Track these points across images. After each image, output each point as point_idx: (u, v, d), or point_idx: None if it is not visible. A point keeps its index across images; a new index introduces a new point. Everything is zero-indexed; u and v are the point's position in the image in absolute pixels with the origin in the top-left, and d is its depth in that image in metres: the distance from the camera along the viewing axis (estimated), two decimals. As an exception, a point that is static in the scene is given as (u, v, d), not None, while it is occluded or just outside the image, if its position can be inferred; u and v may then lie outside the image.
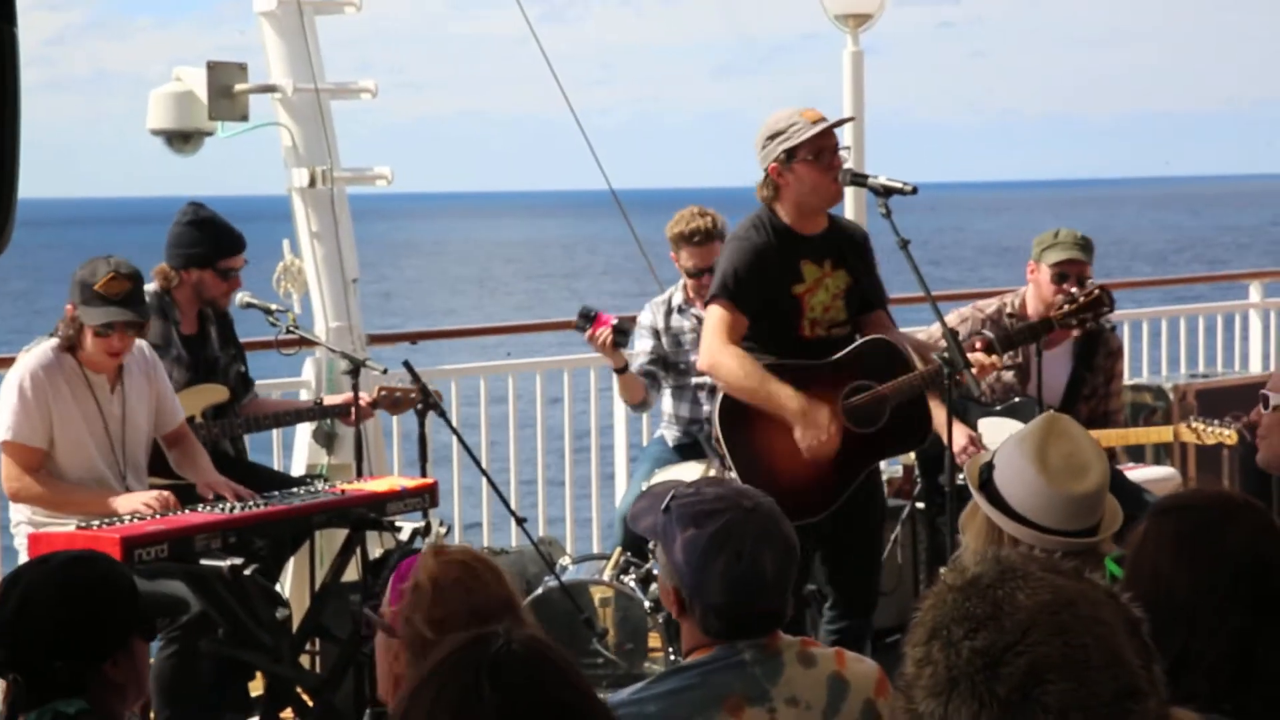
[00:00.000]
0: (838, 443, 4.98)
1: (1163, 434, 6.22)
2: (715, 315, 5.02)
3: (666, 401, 6.40)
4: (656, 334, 6.29)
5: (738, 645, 2.87)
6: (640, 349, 6.28)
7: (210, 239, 5.75)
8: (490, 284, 53.26)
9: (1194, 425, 5.90)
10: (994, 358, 5.18)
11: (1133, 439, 6.29)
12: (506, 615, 2.69)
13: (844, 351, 5.11)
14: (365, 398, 5.91)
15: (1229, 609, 2.45)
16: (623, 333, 6.01)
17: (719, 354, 4.97)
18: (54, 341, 5.08)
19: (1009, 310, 6.01)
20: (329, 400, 6.09)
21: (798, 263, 5.07)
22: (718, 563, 2.84)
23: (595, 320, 5.96)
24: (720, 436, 5.04)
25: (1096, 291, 5.46)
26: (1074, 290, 5.59)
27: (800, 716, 2.85)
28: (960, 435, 5.58)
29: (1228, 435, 5.86)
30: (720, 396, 5.06)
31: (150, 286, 5.61)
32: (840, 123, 5.20)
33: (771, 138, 5.06)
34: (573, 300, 44.48)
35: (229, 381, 5.81)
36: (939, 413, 5.39)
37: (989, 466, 3.18)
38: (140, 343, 5.24)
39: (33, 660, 2.90)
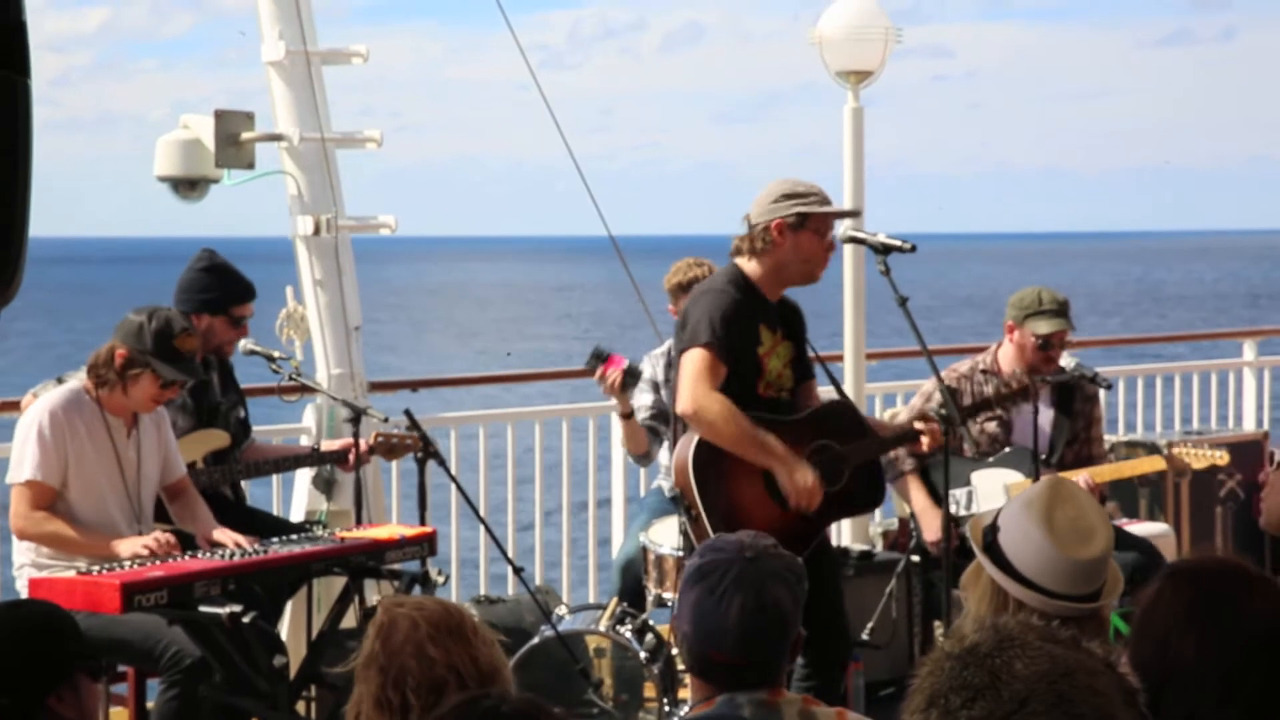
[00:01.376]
0: (820, 496, 5.04)
1: (1155, 463, 6.29)
2: (697, 359, 4.99)
3: (664, 455, 6.42)
4: (656, 387, 6.32)
5: (738, 699, 2.89)
6: (641, 403, 6.29)
7: (224, 286, 5.81)
8: (492, 330, 53.27)
9: (1185, 449, 6.02)
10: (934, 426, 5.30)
11: (1126, 471, 6.36)
12: (451, 661, 2.74)
13: (809, 411, 5.20)
14: (363, 444, 5.94)
15: (1240, 682, 2.45)
16: (633, 375, 6.04)
17: (704, 398, 4.94)
18: (74, 383, 5.12)
19: (982, 367, 6.22)
20: (327, 445, 6.11)
21: (758, 326, 5.12)
22: (692, 593, 2.94)
23: (607, 361, 5.99)
24: (692, 482, 5.00)
25: (1026, 383, 5.71)
26: (1010, 374, 5.95)
27: None
28: (935, 529, 5.76)
29: (1219, 456, 5.98)
30: (695, 442, 5.00)
31: None
32: (852, 214, 5.27)
33: (787, 197, 5.11)
34: (571, 347, 44.50)
35: (229, 427, 5.84)
36: (925, 506, 5.60)
37: (993, 529, 3.18)
38: None
39: None
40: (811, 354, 5.34)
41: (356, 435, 5.76)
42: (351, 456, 5.86)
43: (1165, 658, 2.43)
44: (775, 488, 5.07)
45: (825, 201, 5.15)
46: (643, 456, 6.43)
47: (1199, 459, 6.06)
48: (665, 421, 6.29)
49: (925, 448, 5.34)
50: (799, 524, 5.07)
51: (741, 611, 2.90)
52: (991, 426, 6.05)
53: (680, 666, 5.35)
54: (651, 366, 6.37)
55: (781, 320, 5.20)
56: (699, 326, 5.01)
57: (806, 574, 5.01)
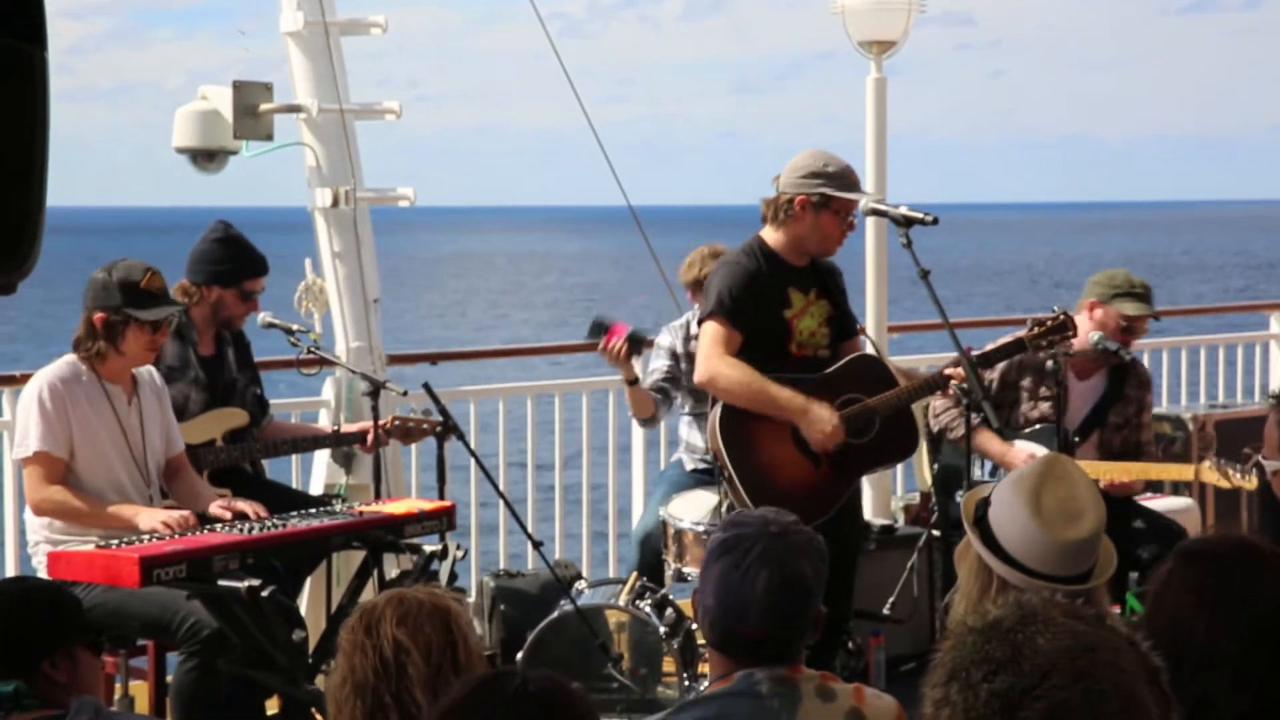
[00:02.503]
0: (844, 434, 5.16)
1: (1184, 472, 6.17)
2: (711, 331, 5.23)
3: (685, 429, 6.42)
4: (675, 357, 6.34)
5: (756, 675, 2.89)
6: (655, 367, 6.33)
7: (237, 258, 5.78)
8: (509, 301, 53.33)
9: (1216, 467, 5.86)
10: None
11: (1154, 474, 6.24)
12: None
13: (833, 367, 5.32)
14: (384, 425, 5.88)
15: (1253, 659, 2.43)
16: (637, 341, 6.01)
17: (716, 365, 5.17)
18: (70, 356, 5.12)
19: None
20: (346, 428, 6.09)
21: (786, 289, 5.29)
22: (716, 566, 2.95)
23: (609, 332, 5.97)
24: (720, 447, 5.18)
25: (1062, 316, 5.60)
26: (1043, 315, 5.70)
27: None
28: (1022, 454, 5.67)
29: (1247, 482, 5.80)
30: (719, 408, 5.21)
31: None
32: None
33: (815, 175, 5.25)
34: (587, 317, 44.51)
35: (246, 405, 5.82)
36: (1003, 448, 5.69)
37: (985, 503, 3.15)
38: (150, 368, 5.30)
39: None
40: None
41: (375, 409, 5.74)
42: (370, 438, 5.83)
43: (1177, 638, 2.41)
44: (805, 445, 5.20)
45: (851, 185, 5.28)
46: (649, 420, 6.42)
47: (1230, 480, 5.90)
48: (676, 385, 6.33)
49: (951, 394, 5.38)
50: (831, 479, 5.23)
51: (767, 586, 2.91)
52: (1045, 406, 5.96)
53: (700, 641, 5.35)
54: (671, 336, 6.39)
55: (816, 281, 5.36)
56: (712, 298, 5.24)
57: (830, 534, 5.11)
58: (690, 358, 6.30)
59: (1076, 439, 5.97)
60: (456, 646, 2.80)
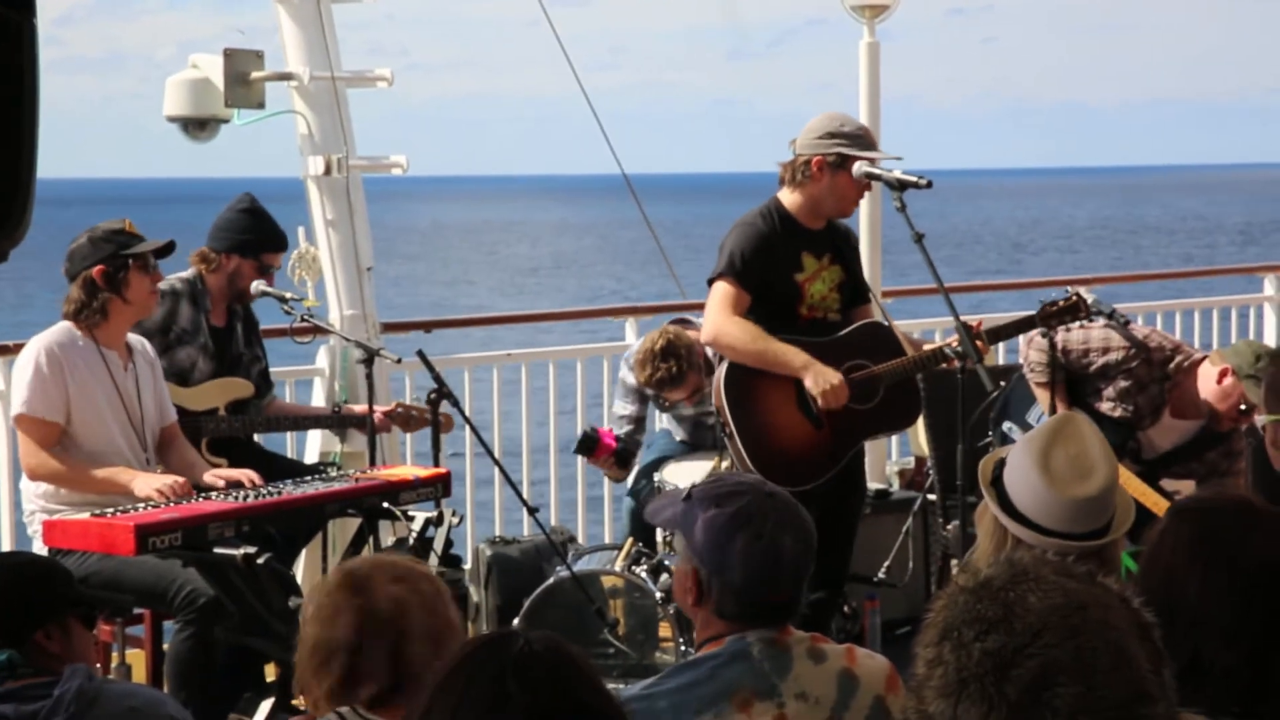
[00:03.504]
0: (848, 392, 5.17)
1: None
2: (719, 291, 5.25)
3: (664, 419, 6.46)
4: (643, 398, 6.32)
5: (747, 638, 2.89)
6: (621, 413, 6.30)
7: (260, 230, 5.84)
8: (504, 271, 53.29)
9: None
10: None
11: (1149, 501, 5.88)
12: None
13: (842, 332, 5.33)
14: (381, 409, 5.94)
15: (1244, 618, 2.44)
16: (625, 456, 6.08)
17: (722, 324, 5.19)
18: (64, 323, 5.13)
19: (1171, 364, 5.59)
20: (348, 409, 6.10)
21: (799, 253, 5.30)
22: (737, 540, 2.89)
23: (598, 447, 6.01)
24: (724, 405, 5.18)
25: (1075, 298, 5.48)
26: (1056, 297, 5.55)
27: (809, 712, 2.87)
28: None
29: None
30: (724, 366, 5.22)
31: (185, 274, 5.72)
32: (893, 159, 5.24)
33: (832, 135, 5.26)
34: (586, 288, 44.51)
35: (251, 379, 5.85)
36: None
37: (1001, 463, 3.18)
38: (143, 340, 5.33)
39: None
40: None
41: (370, 378, 5.74)
42: (377, 415, 5.84)
43: (1170, 595, 2.42)
44: (808, 406, 5.21)
45: (868, 145, 5.30)
46: (621, 479, 6.40)
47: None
48: (643, 431, 6.36)
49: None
50: (831, 443, 5.25)
51: (793, 550, 2.91)
52: (1122, 411, 5.55)
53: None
54: (635, 377, 6.26)
55: (831, 245, 5.38)
56: (724, 258, 5.27)
57: (832, 496, 5.17)
58: (656, 398, 6.31)
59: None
60: (449, 605, 2.82)
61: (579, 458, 6.41)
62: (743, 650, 2.89)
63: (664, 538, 5.91)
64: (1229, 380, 5.50)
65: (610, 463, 6.11)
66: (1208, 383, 5.52)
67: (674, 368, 6.08)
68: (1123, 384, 5.57)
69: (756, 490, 2.96)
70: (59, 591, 3.31)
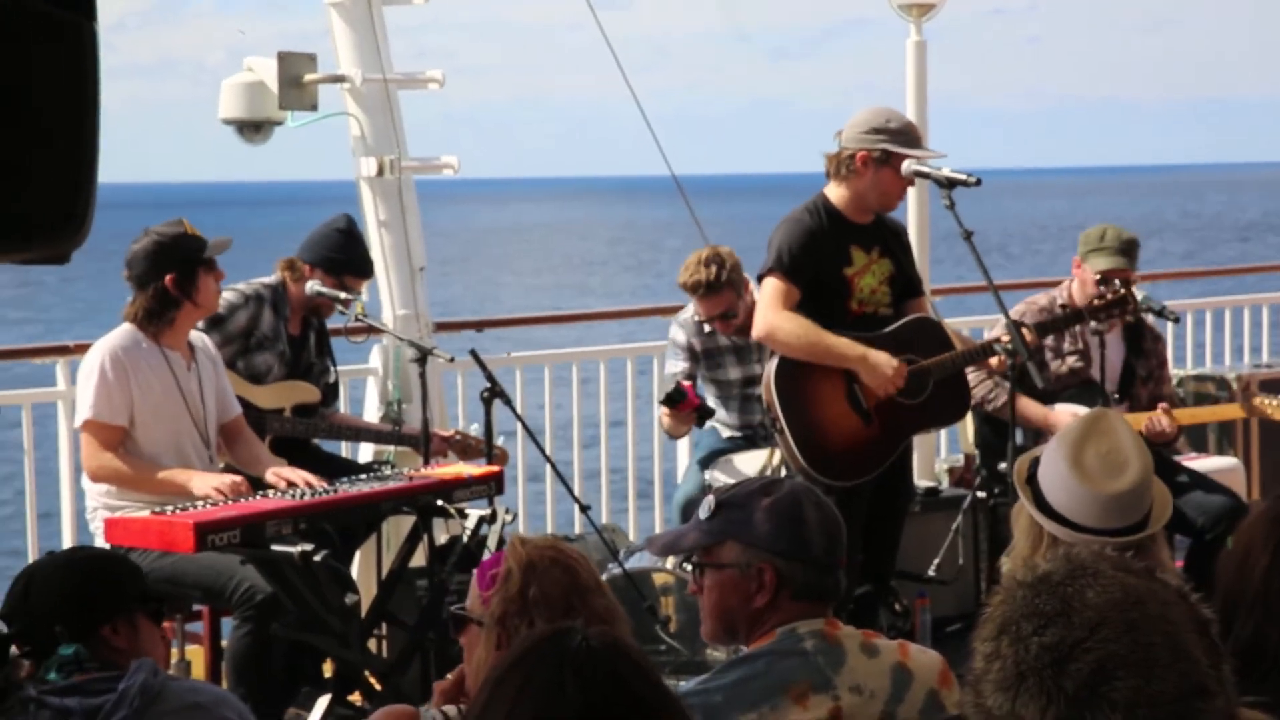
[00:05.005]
0: (904, 378, 5.19)
1: (1232, 411, 6.30)
2: (769, 287, 5.27)
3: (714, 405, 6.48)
4: (694, 355, 6.36)
5: (798, 630, 2.91)
6: (675, 370, 6.35)
7: (351, 252, 5.97)
8: (555, 272, 53.34)
9: (1263, 400, 5.99)
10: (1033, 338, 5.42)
11: (1203, 416, 6.35)
12: (589, 599, 2.76)
13: (891, 326, 5.35)
14: (441, 434, 6.06)
15: None
16: (705, 413, 6.14)
17: (774, 319, 5.21)
18: (127, 325, 5.20)
19: (1061, 302, 6.14)
20: (407, 429, 6.21)
21: (848, 247, 5.32)
22: (806, 513, 2.95)
23: (685, 400, 6.06)
24: (774, 399, 5.20)
25: (1123, 291, 5.67)
26: (1103, 288, 5.78)
27: (864, 705, 2.89)
28: (1065, 415, 5.68)
29: None
30: (775, 361, 5.24)
31: (269, 279, 5.81)
32: (937, 156, 5.28)
33: (878, 131, 5.28)
34: (632, 285, 44.47)
35: (319, 388, 5.97)
36: (1044, 412, 5.71)
37: (1036, 462, 3.19)
38: (204, 337, 5.40)
39: (38, 631, 3.20)
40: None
41: (423, 376, 5.78)
42: (436, 440, 5.92)
43: (1242, 575, 2.44)
44: (857, 402, 5.24)
45: (913, 141, 5.31)
46: (682, 436, 6.50)
47: (1277, 410, 6.00)
48: (704, 383, 6.39)
49: (997, 365, 5.40)
50: (881, 438, 5.27)
51: (836, 515, 3.02)
52: (1072, 360, 6.01)
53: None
54: (686, 334, 6.36)
55: (880, 239, 5.39)
56: (772, 254, 5.27)
57: (880, 492, 5.22)
58: (709, 355, 6.34)
59: (1116, 396, 5.99)
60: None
61: (628, 463, 6.43)
62: (796, 644, 2.91)
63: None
64: (1080, 269, 6.00)
65: (691, 417, 6.12)
66: (1078, 289, 6.00)
67: (714, 274, 6.10)
68: (1050, 340, 5.89)
69: (780, 479, 3.09)
70: (127, 588, 3.35)
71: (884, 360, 5.18)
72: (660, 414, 6.35)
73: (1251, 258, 42.74)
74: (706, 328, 6.33)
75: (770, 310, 5.23)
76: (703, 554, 3.00)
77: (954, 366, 5.34)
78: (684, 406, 6.07)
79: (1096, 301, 5.67)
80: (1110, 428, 3.14)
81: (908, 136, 5.30)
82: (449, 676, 3.05)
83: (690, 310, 6.40)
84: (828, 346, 5.19)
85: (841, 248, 5.30)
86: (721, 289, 6.13)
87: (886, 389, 5.19)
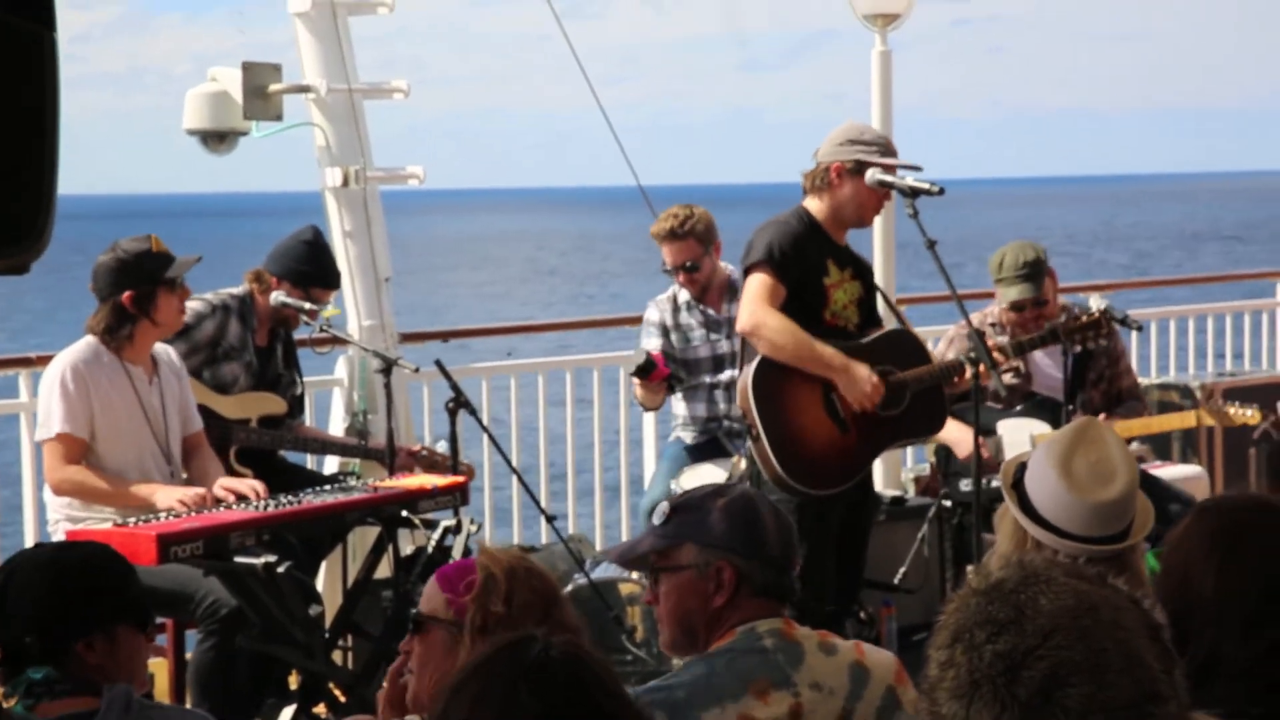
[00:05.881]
0: (882, 392, 5.18)
1: (1186, 419, 6.34)
2: (757, 281, 5.20)
3: (679, 405, 6.48)
4: (665, 330, 6.43)
5: (756, 629, 2.96)
6: (648, 346, 6.39)
7: (318, 265, 5.97)
8: (522, 280, 53.29)
9: (1215, 409, 6.04)
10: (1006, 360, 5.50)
11: (1155, 427, 6.38)
12: (562, 608, 2.76)
13: (869, 337, 5.35)
14: (408, 449, 6.04)
15: (1262, 615, 2.46)
16: (675, 381, 6.30)
17: (763, 315, 5.14)
18: (89, 338, 5.18)
19: (990, 320, 6.20)
20: (373, 443, 6.20)
21: (825, 258, 5.31)
22: (761, 514, 3.02)
23: (655, 370, 6.16)
24: (751, 403, 5.16)
25: (1097, 315, 5.72)
26: (1077, 310, 5.92)
27: (824, 701, 2.93)
28: (968, 442, 5.68)
29: (1249, 416, 6.00)
30: (756, 361, 5.18)
31: (236, 290, 5.79)
32: (913, 167, 5.32)
33: (852, 142, 5.31)
34: (600, 297, 44.46)
35: (285, 400, 5.96)
36: (951, 426, 5.74)
37: (1023, 467, 3.21)
38: (169, 349, 5.38)
39: (11, 636, 3.03)
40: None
41: (389, 387, 5.78)
42: (402, 455, 5.90)
43: (1188, 592, 2.45)
44: (835, 411, 5.22)
45: (887, 152, 5.33)
46: (656, 407, 6.57)
47: (1235, 418, 6.07)
48: (675, 366, 6.41)
49: (963, 382, 5.41)
50: (856, 448, 5.25)
51: (787, 514, 3.11)
52: (1008, 378, 6.03)
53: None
54: (659, 311, 6.48)
55: (851, 262, 5.40)
56: (760, 250, 5.22)
57: (848, 505, 5.22)
58: (680, 329, 6.39)
59: (1070, 408, 6.01)
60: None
61: (595, 473, 6.43)
62: (755, 643, 2.95)
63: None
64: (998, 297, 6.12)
65: (662, 388, 6.26)
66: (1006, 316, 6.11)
67: (679, 221, 6.24)
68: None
69: (732, 485, 3.18)
70: (107, 599, 3.10)
71: (864, 375, 5.17)
72: (633, 386, 6.43)
73: (1204, 267, 43.10)
74: (684, 305, 6.40)
75: (758, 304, 5.15)
76: (659, 558, 3.04)
77: (931, 380, 5.34)
78: (655, 376, 6.17)
79: (1072, 323, 5.71)
80: (1098, 436, 3.17)
81: (882, 148, 5.32)
82: (385, 685, 3.03)
83: (669, 290, 6.49)
84: (814, 351, 5.15)
85: (821, 258, 5.29)
86: (685, 237, 6.26)
87: (863, 403, 5.17)
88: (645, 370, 6.16)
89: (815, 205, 5.34)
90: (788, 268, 5.19)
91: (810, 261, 5.25)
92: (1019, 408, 6.07)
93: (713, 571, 2.98)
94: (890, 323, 5.65)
